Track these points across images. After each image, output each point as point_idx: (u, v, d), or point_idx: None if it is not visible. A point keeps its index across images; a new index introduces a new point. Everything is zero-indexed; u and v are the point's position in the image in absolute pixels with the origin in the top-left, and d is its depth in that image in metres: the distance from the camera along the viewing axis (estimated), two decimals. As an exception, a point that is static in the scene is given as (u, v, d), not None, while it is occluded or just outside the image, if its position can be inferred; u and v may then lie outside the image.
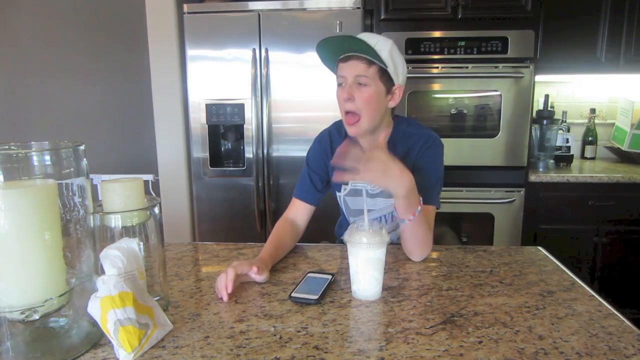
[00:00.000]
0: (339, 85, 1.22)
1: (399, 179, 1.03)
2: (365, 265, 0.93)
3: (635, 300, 2.27)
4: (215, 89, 2.30)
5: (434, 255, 1.22)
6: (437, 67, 2.26)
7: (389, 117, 1.29)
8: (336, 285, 1.03)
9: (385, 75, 1.19)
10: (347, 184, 1.34)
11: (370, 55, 1.15)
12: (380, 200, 1.30)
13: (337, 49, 1.19)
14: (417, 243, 1.16)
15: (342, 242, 1.47)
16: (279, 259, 1.19)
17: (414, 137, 1.27)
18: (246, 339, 0.79)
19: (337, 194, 1.39)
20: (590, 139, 2.75)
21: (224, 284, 0.95)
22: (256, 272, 1.01)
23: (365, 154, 1.03)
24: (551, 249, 1.27)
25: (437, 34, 2.24)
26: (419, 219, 1.11)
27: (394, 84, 1.22)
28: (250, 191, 2.37)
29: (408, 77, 2.23)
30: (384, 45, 1.17)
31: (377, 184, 1.18)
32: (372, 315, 0.88)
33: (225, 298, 0.95)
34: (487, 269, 1.12)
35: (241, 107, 2.30)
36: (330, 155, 1.33)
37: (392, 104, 1.24)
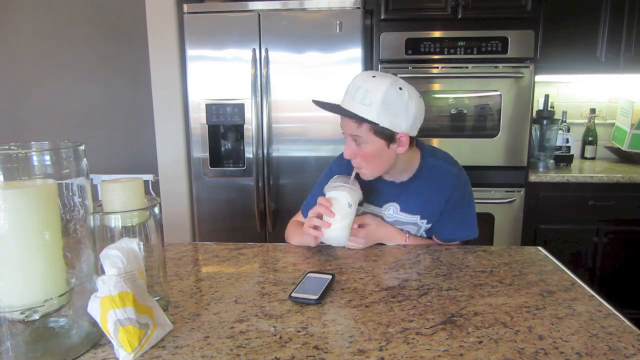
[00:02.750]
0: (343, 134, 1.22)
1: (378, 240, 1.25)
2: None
3: (635, 300, 2.27)
4: (215, 89, 2.30)
5: (434, 255, 1.22)
6: (437, 67, 2.26)
7: (410, 152, 1.22)
8: (336, 285, 1.03)
9: (380, 130, 1.13)
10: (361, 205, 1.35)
11: (356, 118, 1.12)
12: (404, 215, 1.33)
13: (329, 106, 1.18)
14: None
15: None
16: None
17: (445, 175, 1.28)
18: (246, 339, 0.79)
19: None
20: (590, 139, 2.75)
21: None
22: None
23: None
24: (551, 249, 1.27)
25: (437, 34, 2.24)
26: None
27: (396, 133, 1.15)
28: (250, 191, 2.37)
29: (408, 77, 2.26)
30: (375, 98, 1.09)
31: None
32: (372, 315, 0.88)
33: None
34: (487, 269, 1.12)
35: (241, 107, 2.30)
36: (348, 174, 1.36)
37: (401, 150, 1.17)
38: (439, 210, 1.28)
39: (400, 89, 1.10)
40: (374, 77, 1.11)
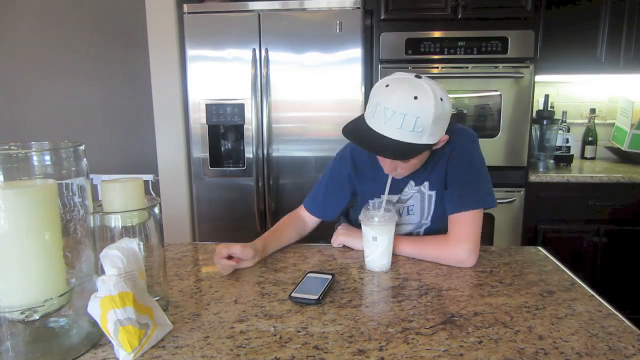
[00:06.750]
0: None
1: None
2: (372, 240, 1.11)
3: (636, 301, 2.27)
4: (215, 89, 2.30)
5: (434, 255, 1.22)
6: (437, 67, 2.26)
7: None
8: (336, 285, 1.03)
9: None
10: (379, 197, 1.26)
11: (417, 153, 1.06)
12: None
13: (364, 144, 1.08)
14: (437, 258, 1.16)
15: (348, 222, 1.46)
16: (279, 244, 1.27)
17: (452, 140, 1.15)
18: (246, 339, 0.79)
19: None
20: (590, 139, 2.75)
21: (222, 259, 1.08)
22: (239, 248, 1.09)
23: None
24: (551, 249, 1.27)
25: (437, 34, 2.24)
26: (415, 251, 1.19)
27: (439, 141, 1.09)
28: (250, 191, 2.36)
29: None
30: (426, 123, 1.00)
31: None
32: (372, 315, 0.88)
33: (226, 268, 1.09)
34: (487, 269, 1.12)
35: (241, 107, 2.30)
36: (352, 168, 1.29)
37: (437, 147, 1.11)
38: (443, 174, 1.19)
39: (441, 99, 1.02)
40: (416, 98, 0.99)
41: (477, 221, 1.14)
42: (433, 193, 1.23)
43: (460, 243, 1.13)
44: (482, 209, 1.17)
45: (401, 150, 1.03)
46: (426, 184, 1.22)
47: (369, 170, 1.27)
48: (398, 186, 1.23)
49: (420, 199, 1.25)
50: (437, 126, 1.03)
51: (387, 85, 1.03)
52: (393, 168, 1.13)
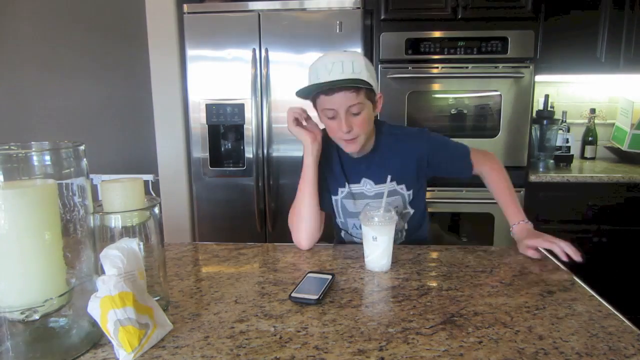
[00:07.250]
0: (330, 118, 1.23)
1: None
2: (373, 241, 1.11)
3: (635, 301, 2.27)
4: (215, 89, 2.30)
5: (434, 255, 1.22)
6: (437, 67, 2.26)
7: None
8: (336, 285, 1.03)
9: (370, 92, 1.22)
10: (344, 186, 1.39)
11: (357, 84, 1.15)
12: (380, 186, 1.37)
13: (319, 87, 1.20)
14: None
15: (340, 240, 1.49)
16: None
17: (407, 137, 1.36)
18: (246, 339, 0.79)
19: (334, 197, 1.41)
20: (590, 139, 2.75)
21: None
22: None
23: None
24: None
25: (437, 34, 2.24)
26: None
27: (375, 95, 1.26)
28: (250, 191, 2.37)
29: (408, 77, 2.26)
30: (361, 65, 1.17)
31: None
32: (372, 315, 0.88)
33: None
34: (487, 269, 1.12)
35: (241, 107, 2.30)
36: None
37: (377, 112, 1.29)
38: (415, 172, 1.34)
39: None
40: (345, 51, 1.25)
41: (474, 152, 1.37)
42: (410, 192, 1.37)
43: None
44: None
45: (357, 82, 1.15)
46: (403, 185, 1.36)
47: (325, 163, 1.36)
48: (356, 175, 1.36)
49: (401, 200, 1.38)
50: (370, 72, 1.19)
51: (320, 57, 1.22)
52: (348, 125, 1.19)
